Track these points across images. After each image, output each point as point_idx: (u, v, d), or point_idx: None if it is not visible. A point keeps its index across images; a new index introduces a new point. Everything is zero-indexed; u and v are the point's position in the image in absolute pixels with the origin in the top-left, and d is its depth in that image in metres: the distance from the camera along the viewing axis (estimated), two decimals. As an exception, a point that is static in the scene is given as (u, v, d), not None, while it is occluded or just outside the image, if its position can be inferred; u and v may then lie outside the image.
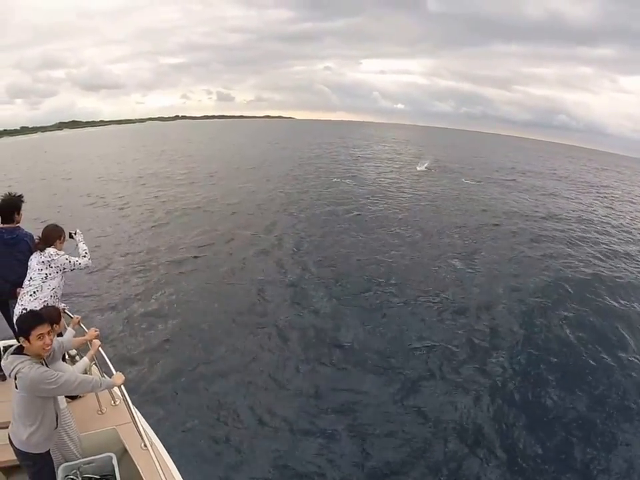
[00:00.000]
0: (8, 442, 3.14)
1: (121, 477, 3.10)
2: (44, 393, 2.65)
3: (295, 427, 5.91)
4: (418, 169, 32.84)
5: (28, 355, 2.66)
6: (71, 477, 3.05)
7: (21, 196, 3.98)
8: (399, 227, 15.75)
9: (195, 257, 12.23)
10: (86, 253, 3.92)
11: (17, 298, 3.73)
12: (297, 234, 14.20)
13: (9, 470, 3.40)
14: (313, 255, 12.15)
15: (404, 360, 7.33)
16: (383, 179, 27.17)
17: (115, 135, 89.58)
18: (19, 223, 3.96)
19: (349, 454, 5.45)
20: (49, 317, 2.85)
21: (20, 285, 3.73)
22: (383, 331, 8.30)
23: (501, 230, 16.06)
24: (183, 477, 3.14)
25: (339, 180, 25.49)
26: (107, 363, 3.44)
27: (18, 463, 3.18)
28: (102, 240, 13.80)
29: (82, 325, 3.65)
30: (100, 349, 3.36)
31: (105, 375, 3.52)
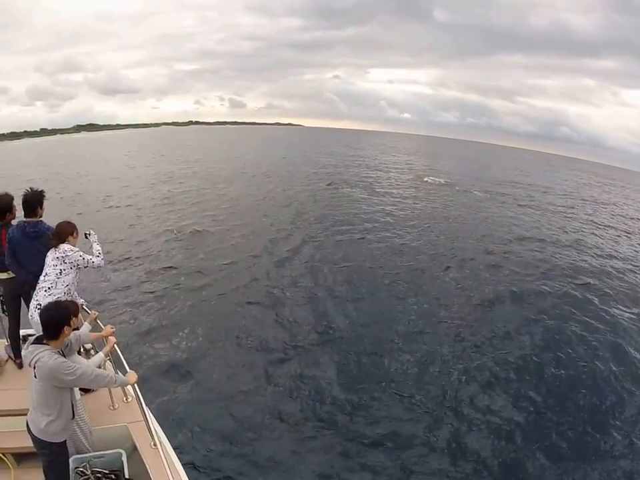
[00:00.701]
0: (20, 429, 3.23)
1: (129, 474, 3.16)
2: (61, 383, 2.71)
3: (304, 430, 5.92)
4: (427, 180, 31.95)
5: (48, 345, 2.75)
6: (81, 469, 3.11)
7: (42, 191, 4.07)
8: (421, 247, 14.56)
9: (213, 263, 12.26)
10: (99, 253, 3.98)
11: (29, 289, 3.85)
12: (318, 246, 13.93)
13: (20, 456, 3.49)
14: (332, 272, 11.65)
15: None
16: (393, 191, 26.11)
17: (133, 139, 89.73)
18: (41, 217, 4.05)
19: (364, 464, 5.43)
20: (73, 308, 2.95)
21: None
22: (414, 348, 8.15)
23: (524, 255, 14.45)
24: (190, 479, 3.16)
25: (350, 190, 24.80)
26: (121, 359, 3.48)
27: (29, 450, 3.26)
28: (119, 239, 14.11)
29: (99, 322, 3.71)
30: (115, 345, 3.42)
31: (119, 372, 3.58)
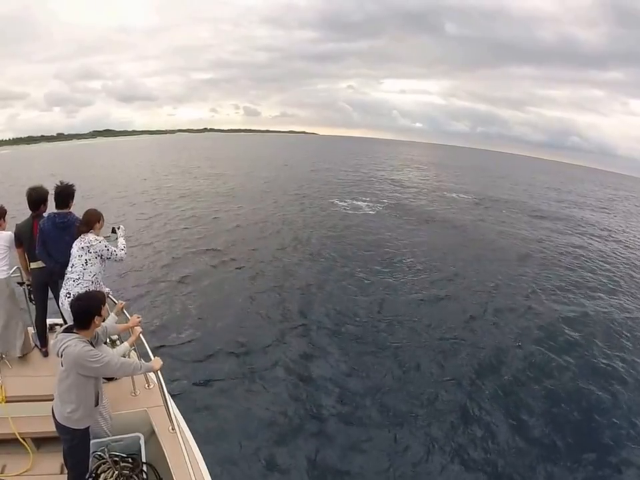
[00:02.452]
0: (40, 414, 3.35)
1: (146, 457, 3.16)
2: (87, 371, 2.73)
3: (319, 422, 5.93)
4: (451, 195, 29.20)
5: (77, 334, 2.78)
6: (99, 453, 3.11)
7: (73, 185, 4.15)
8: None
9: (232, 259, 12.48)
10: (124, 247, 4.06)
11: (57, 279, 3.94)
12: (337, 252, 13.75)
13: (39, 441, 3.54)
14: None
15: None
16: (414, 202, 24.54)
17: (150, 146, 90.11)
18: (70, 208, 4.13)
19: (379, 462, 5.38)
20: (103, 300, 2.99)
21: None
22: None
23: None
24: (206, 463, 3.14)
25: (373, 204, 22.91)
26: (145, 347, 3.48)
27: (48, 435, 3.35)
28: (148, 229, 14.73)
29: (125, 312, 3.75)
30: (140, 335, 3.43)
31: (142, 359, 3.57)
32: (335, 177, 35.23)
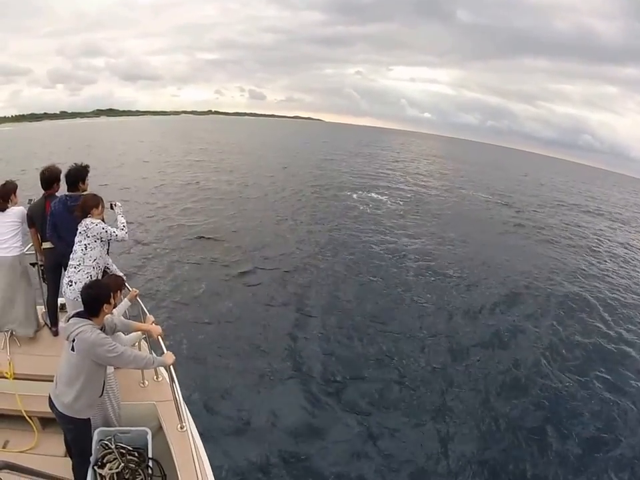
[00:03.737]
0: (48, 394, 3.22)
1: (152, 452, 3.10)
2: (99, 360, 2.68)
3: (326, 421, 5.89)
4: (469, 193, 27.70)
5: (90, 321, 2.73)
6: (105, 441, 3.06)
7: (87, 166, 4.11)
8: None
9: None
10: (124, 226, 3.91)
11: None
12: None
13: (46, 421, 3.51)
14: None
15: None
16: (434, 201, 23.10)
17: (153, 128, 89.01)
18: (84, 191, 4.07)
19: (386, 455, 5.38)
20: (113, 285, 2.97)
21: None
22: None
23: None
24: (211, 464, 3.09)
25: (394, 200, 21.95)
26: (159, 340, 3.38)
27: (54, 416, 3.24)
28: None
29: (139, 299, 3.69)
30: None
31: (153, 352, 3.55)
32: (349, 167, 33.96)
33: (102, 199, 3.85)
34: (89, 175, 4.13)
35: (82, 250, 3.66)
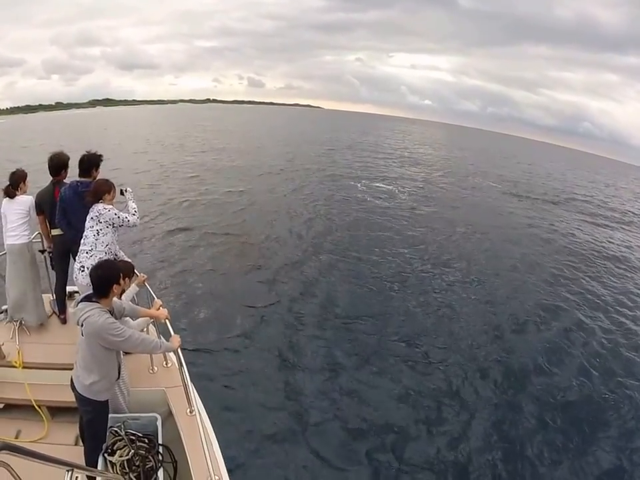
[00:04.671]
0: (58, 383, 3.36)
1: (162, 438, 3.12)
2: (107, 344, 2.70)
3: (332, 412, 5.85)
4: (473, 180, 27.09)
5: (98, 304, 2.72)
6: (115, 428, 3.07)
7: (101, 155, 4.14)
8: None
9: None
10: (135, 211, 3.94)
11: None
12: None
13: (55, 410, 3.54)
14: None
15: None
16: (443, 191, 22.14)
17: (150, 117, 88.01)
18: (94, 178, 4.06)
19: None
20: (123, 269, 2.95)
21: None
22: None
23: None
24: (222, 449, 3.11)
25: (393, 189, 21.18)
26: (167, 324, 3.39)
27: (65, 404, 3.37)
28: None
29: (147, 285, 3.68)
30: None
31: (162, 336, 3.59)
32: (353, 156, 32.94)
33: (114, 185, 3.86)
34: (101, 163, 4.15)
35: (94, 235, 3.67)
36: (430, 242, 13.37)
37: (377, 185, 21.80)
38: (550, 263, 12.61)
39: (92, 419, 2.90)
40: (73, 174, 4.24)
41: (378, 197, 18.90)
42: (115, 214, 3.72)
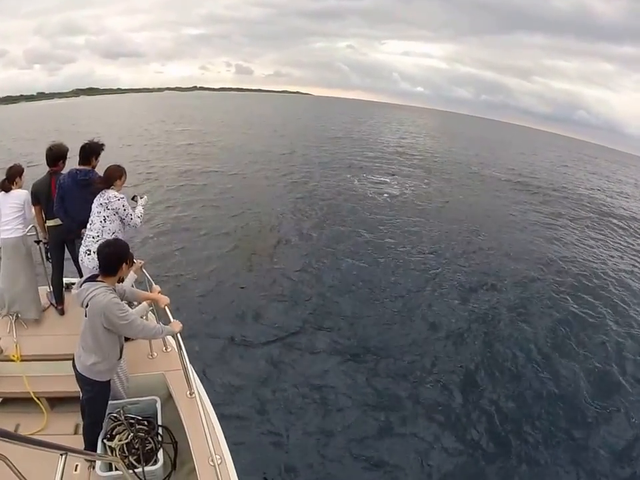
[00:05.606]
0: (56, 374, 3.40)
1: (162, 421, 3.17)
2: (110, 325, 2.68)
3: (338, 396, 5.95)
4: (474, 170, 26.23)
5: (103, 283, 2.73)
6: (114, 414, 3.14)
7: (103, 144, 4.12)
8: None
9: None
10: (141, 215, 3.99)
11: (82, 238, 3.93)
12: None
13: (54, 401, 3.57)
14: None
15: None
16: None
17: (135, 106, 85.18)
18: (94, 167, 4.07)
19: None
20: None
21: (86, 225, 3.88)
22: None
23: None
24: (223, 430, 3.14)
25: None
26: (165, 310, 3.40)
27: (63, 395, 3.41)
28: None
29: (144, 271, 3.71)
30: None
31: (161, 322, 3.59)
32: (348, 145, 31.71)
33: (125, 171, 3.91)
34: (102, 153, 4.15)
35: (101, 222, 3.69)
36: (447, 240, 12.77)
37: (376, 176, 20.94)
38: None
39: (91, 398, 2.93)
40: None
41: (378, 189, 18.12)
42: (123, 205, 3.73)
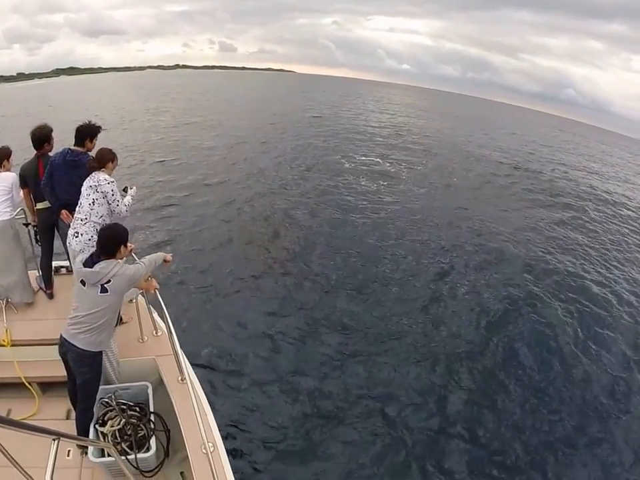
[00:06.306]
0: (47, 358, 3.39)
1: (154, 406, 3.18)
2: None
3: (326, 372, 6.04)
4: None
5: (113, 259, 2.85)
6: (106, 399, 3.13)
7: (99, 127, 4.08)
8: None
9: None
10: (128, 204, 3.93)
11: (60, 217, 3.95)
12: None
13: (45, 386, 3.57)
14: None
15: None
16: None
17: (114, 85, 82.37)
18: (88, 150, 4.02)
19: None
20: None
21: (68, 207, 3.87)
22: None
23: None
24: (215, 416, 3.15)
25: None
26: (156, 295, 3.41)
27: (55, 379, 3.40)
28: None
29: (134, 255, 3.66)
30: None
31: (152, 306, 3.75)
32: (335, 125, 30.78)
33: (117, 156, 3.90)
34: (98, 136, 4.09)
35: (89, 204, 3.64)
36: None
37: (365, 158, 20.20)
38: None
39: (88, 380, 2.92)
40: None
41: (367, 173, 17.46)
42: (112, 190, 3.68)
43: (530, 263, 10.13)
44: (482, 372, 6.39)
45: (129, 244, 3.63)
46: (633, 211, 17.26)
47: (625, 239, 13.53)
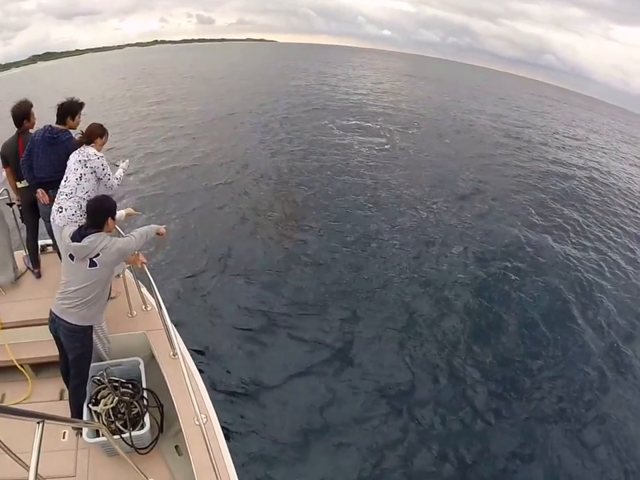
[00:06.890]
0: (38, 339, 3.37)
1: (146, 383, 3.15)
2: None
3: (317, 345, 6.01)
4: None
5: (101, 232, 2.81)
6: (98, 377, 3.10)
7: (82, 103, 3.93)
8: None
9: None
10: (120, 177, 3.84)
11: (36, 196, 3.85)
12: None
13: (38, 367, 3.54)
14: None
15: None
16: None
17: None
18: (71, 127, 3.90)
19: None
20: None
21: (44, 185, 3.77)
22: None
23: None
24: (207, 389, 3.16)
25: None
26: (145, 270, 3.32)
27: (47, 360, 3.37)
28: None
29: (118, 228, 3.56)
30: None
31: (140, 281, 3.73)
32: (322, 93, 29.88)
33: (107, 132, 3.77)
34: (81, 112, 3.94)
35: (76, 179, 3.52)
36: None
37: (353, 122, 19.96)
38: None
39: (80, 355, 2.89)
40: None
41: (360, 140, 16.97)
42: (102, 164, 3.57)
43: (523, 231, 10.21)
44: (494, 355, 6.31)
45: (129, 208, 3.67)
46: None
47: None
